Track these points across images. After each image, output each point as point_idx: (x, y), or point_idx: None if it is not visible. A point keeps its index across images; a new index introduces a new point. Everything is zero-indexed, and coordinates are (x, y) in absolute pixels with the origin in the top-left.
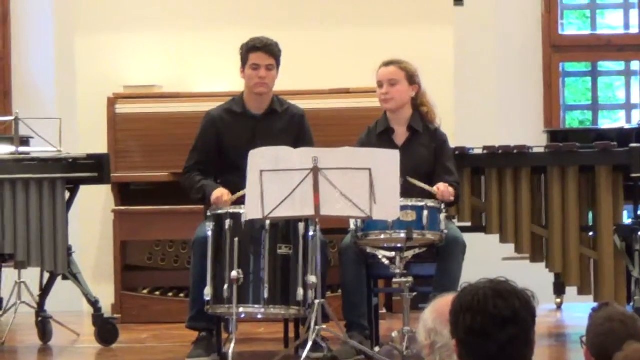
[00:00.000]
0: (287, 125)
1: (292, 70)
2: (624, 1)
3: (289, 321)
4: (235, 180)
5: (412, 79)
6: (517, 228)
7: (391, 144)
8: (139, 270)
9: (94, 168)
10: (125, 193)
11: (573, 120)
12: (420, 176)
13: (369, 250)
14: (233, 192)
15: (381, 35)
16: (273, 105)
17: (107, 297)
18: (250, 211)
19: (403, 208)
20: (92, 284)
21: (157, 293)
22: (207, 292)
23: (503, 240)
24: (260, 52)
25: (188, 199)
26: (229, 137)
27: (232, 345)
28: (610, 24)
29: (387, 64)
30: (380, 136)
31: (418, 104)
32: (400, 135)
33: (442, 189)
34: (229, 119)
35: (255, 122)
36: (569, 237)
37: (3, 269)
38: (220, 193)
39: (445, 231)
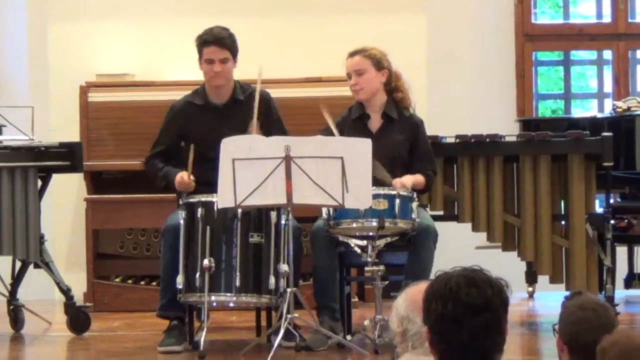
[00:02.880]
0: (251, 110)
1: (264, 59)
2: None
3: (261, 310)
4: (206, 171)
5: (379, 64)
6: (490, 217)
7: (366, 131)
8: (111, 259)
9: (66, 156)
10: (97, 181)
11: (546, 109)
12: (395, 163)
13: (341, 238)
14: (204, 184)
15: (354, 24)
16: (235, 93)
17: (79, 286)
18: (222, 199)
19: (375, 197)
20: (64, 273)
21: (129, 281)
22: (179, 281)
23: (475, 229)
24: (213, 46)
25: (155, 187)
26: (194, 129)
27: (204, 333)
28: (583, 13)
29: (352, 54)
30: (355, 122)
31: (392, 89)
32: (375, 121)
33: (399, 186)
34: (192, 111)
35: (218, 112)
36: (541, 225)
37: None
38: (180, 176)
39: (417, 220)
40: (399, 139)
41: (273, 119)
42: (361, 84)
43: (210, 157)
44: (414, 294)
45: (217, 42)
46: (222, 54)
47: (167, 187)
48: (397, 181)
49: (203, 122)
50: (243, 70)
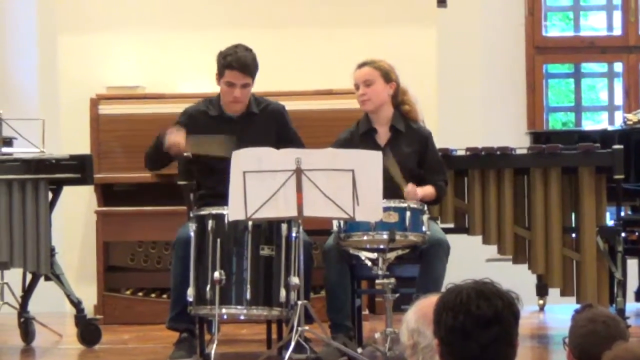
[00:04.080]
0: (266, 124)
1: (275, 71)
2: (607, 3)
3: (271, 322)
4: (215, 183)
5: (387, 76)
6: (500, 229)
7: (374, 145)
8: (122, 271)
9: (76, 169)
10: (108, 194)
11: (556, 121)
12: (404, 175)
13: (351, 251)
14: (213, 197)
15: (364, 37)
16: (250, 107)
17: (89, 298)
18: (233, 212)
19: (386, 209)
20: (75, 285)
21: (140, 294)
22: (190, 293)
23: (486, 241)
24: (237, 71)
25: (171, 200)
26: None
27: (215, 346)
28: (594, 25)
29: (361, 65)
30: (363, 137)
31: (399, 102)
32: (383, 135)
33: (410, 189)
34: (206, 122)
35: (233, 124)
36: (552, 238)
37: None
38: (175, 135)
39: (428, 232)
40: (407, 152)
41: (289, 132)
42: (369, 95)
43: (220, 169)
44: (424, 306)
45: (242, 69)
46: (244, 79)
47: (163, 157)
48: (410, 185)
49: (216, 132)
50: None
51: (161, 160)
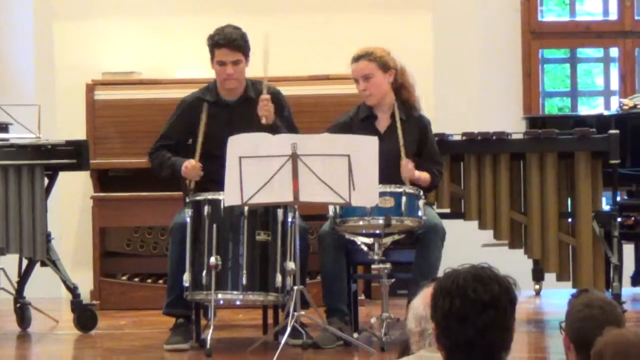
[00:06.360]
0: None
1: (272, 56)
2: None
3: (267, 308)
4: (212, 168)
5: (385, 66)
6: (496, 214)
7: (373, 131)
8: (118, 257)
9: (72, 154)
10: (104, 180)
11: (552, 106)
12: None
13: (347, 236)
14: (210, 181)
15: (360, 22)
16: (247, 92)
17: (85, 284)
18: (229, 197)
19: (381, 194)
20: (71, 271)
21: (136, 279)
22: (186, 279)
23: (482, 226)
24: (225, 48)
25: (167, 185)
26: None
27: (211, 331)
28: (589, 10)
29: (357, 58)
30: (363, 122)
31: (399, 86)
32: (383, 121)
33: (405, 162)
34: (203, 107)
35: (230, 109)
36: (548, 223)
37: None
38: (188, 161)
39: (424, 217)
40: (407, 140)
41: (284, 116)
42: (370, 90)
43: (218, 155)
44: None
45: (229, 45)
46: (234, 56)
47: (172, 176)
48: (408, 160)
49: (213, 118)
50: (249, 67)
51: (172, 179)
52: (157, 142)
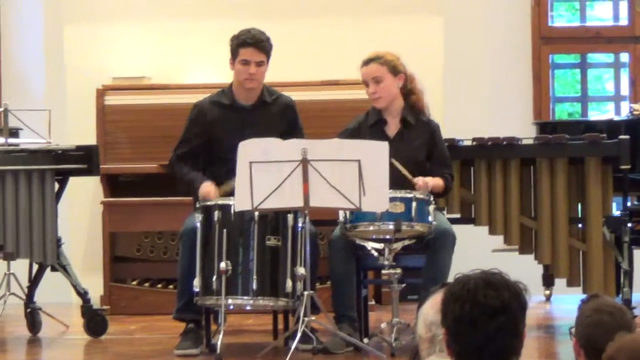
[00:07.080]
0: (276, 115)
1: (282, 61)
2: None
3: (277, 313)
4: (222, 172)
5: (395, 70)
6: (506, 220)
7: (383, 136)
8: (128, 262)
9: (83, 159)
10: (114, 184)
11: (562, 112)
12: (411, 168)
13: (357, 241)
14: (219, 184)
15: (371, 26)
16: (263, 96)
17: (96, 289)
18: (239, 202)
19: (392, 200)
20: (81, 276)
21: (146, 284)
22: (196, 284)
23: (492, 231)
24: (251, 47)
25: (177, 190)
26: (217, 129)
27: (221, 336)
28: (600, 15)
29: (367, 62)
30: (372, 127)
31: (407, 91)
32: (393, 126)
33: (421, 184)
34: (217, 111)
35: (244, 113)
36: (558, 228)
37: None
38: (208, 189)
39: (434, 223)
40: (416, 144)
41: (296, 131)
42: (379, 93)
43: (229, 160)
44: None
45: (257, 45)
46: (259, 56)
47: (189, 191)
48: (419, 179)
49: (227, 122)
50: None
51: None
52: (176, 149)
